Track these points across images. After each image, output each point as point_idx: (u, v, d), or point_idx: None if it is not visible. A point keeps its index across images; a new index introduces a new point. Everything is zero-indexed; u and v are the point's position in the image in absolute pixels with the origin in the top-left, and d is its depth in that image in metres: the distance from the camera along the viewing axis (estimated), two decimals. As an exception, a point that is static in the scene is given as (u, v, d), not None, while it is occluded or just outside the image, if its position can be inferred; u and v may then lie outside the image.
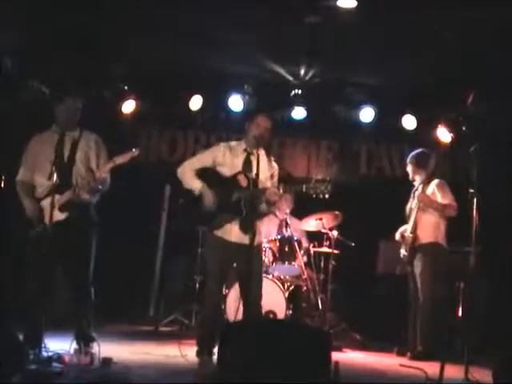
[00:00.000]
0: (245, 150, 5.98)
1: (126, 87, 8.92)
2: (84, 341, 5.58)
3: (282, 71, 8.71)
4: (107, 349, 5.64)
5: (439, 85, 8.26)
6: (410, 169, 7.42)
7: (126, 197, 8.49)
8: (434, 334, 6.88)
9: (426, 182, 7.17)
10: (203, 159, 6.06)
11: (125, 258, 8.91)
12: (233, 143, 6.11)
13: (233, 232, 5.83)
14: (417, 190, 7.24)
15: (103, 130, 6.41)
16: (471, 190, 5.82)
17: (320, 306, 8.05)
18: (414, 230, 7.07)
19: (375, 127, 9.34)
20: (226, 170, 5.91)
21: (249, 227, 5.55)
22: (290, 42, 7.84)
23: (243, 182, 5.81)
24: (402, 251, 7.22)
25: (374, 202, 9.12)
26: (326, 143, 9.92)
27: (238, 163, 5.93)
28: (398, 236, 7.40)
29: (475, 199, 5.78)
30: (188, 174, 5.96)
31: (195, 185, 5.89)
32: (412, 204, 7.24)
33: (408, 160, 7.45)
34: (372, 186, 9.66)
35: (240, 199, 5.75)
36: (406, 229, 7.22)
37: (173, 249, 9.42)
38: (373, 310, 8.49)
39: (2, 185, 8.09)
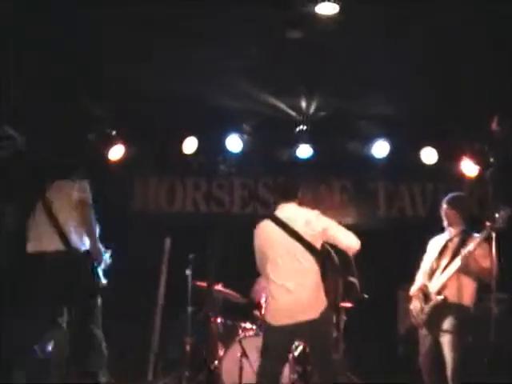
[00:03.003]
0: None
1: (113, 132, 8.13)
2: None
3: (282, 106, 7.84)
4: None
5: (458, 110, 7.29)
6: (448, 214, 6.15)
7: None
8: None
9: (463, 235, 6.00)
10: None
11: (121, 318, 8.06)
12: None
13: None
14: (450, 241, 6.11)
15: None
16: (488, 224, 4.86)
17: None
18: (442, 290, 5.93)
19: (391, 163, 8.34)
20: None
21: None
22: (286, 71, 7.02)
23: None
24: (415, 309, 6.14)
25: (393, 246, 8.07)
26: (339, 183, 8.94)
27: None
28: (413, 290, 6.29)
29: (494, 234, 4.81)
30: None
31: None
32: (444, 259, 6.03)
33: (447, 204, 6.16)
34: (392, 228, 8.61)
35: None
36: (426, 285, 6.13)
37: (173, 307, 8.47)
38: (393, 375, 7.34)
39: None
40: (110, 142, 8.15)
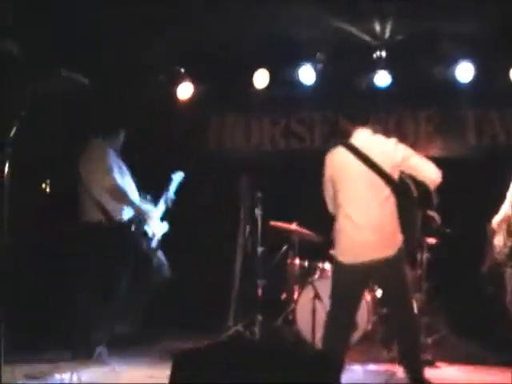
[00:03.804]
0: None
1: (181, 69, 7.79)
2: None
3: (355, 31, 7.25)
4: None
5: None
6: None
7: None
8: None
9: None
10: None
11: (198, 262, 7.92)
12: None
13: None
14: None
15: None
16: None
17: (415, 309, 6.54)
18: None
19: (479, 87, 7.61)
20: None
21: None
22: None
23: None
24: (499, 243, 5.57)
25: (484, 178, 7.41)
26: (425, 114, 8.26)
27: None
28: (496, 222, 5.71)
29: None
30: None
31: None
32: None
33: None
34: (483, 159, 7.91)
35: None
36: (510, 215, 5.54)
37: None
38: (482, 314, 6.78)
39: (48, 189, 7.41)
40: (179, 81, 7.82)
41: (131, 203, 6.50)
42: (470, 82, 7.52)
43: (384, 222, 4.77)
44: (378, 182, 4.79)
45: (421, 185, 4.82)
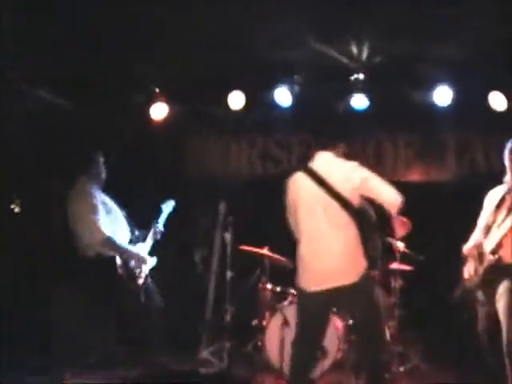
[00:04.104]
0: None
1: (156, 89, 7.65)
2: None
3: (332, 52, 7.13)
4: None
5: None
6: (509, 163, 5.43)
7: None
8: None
9: None
10: None
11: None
12: None
13: None
14: (508, 193, 5.34)
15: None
16: None
17: (388, 337, 6.38)
18: (497, 250, 5.16)
19: (459, 111, 7.47)
20: None
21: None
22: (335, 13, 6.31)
23: None
24: (469, 271, 5.40)
25: (463, 205, 7.23)
26: (404, 138, 8.10)
27: None
28: (467, 249, 5.54)
29: None
30: None
31: None
32: (501, 213, 5.27)
33: (508, 150, 5.44)
34: (462, 184, 7.75)
35: None
36: (481, 242, 5.37)
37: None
38: (455, 342, 6.58)
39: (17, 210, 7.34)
40: (153, 101, 7.68)
41: (123, 251, 6.41)
42: (450, 107, 7.38)
43: (345, 248, 4.62)
44: (337, 207, 4.64)
45: (380, 210, 4.67)
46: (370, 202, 4.71)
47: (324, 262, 4.62)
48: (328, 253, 4.61)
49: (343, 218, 4.64)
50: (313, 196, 4.71)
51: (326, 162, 4.82)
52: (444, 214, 7.25)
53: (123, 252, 6.38)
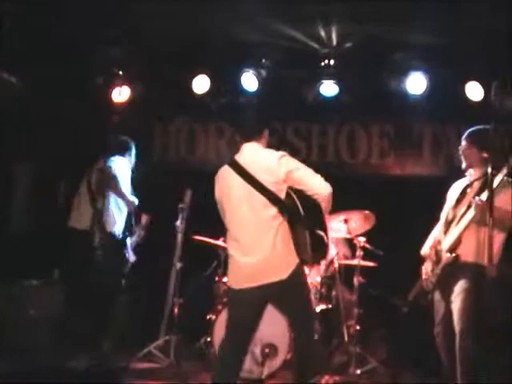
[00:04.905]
0: None
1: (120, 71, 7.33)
2: None
3: (299, 36, 6.79)
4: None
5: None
6: (466, 153, 5.06)
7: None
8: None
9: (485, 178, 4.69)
10: None
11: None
12: None
13: None
14: (469, 186, 5.01)
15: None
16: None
17: (346, 337, 6.06)
18: (455, 248, 4.84)
19: (435, 101, 7.12)
20: None
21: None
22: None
23: None
24: (426, 271, 5.06)
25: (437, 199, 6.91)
26: (378, 127, 7.78)
27: None
28: (425, 250, 5.19)
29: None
30: None
31: None
32: (461, 208, 4.91)
33: (465, 140, 5.05)
34: (438, 176, 7.41)
35: None
36: (439, 241, 5.02)
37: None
38: (412, 344, 6.24)
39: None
40: (117, 84, 7.34)
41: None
42: (425, 96, 7.04)
43: (273, 244, 4.30)
44: (262, 200, 4.32)
45: (310, 202, 4.34)
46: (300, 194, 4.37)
47: (250, 258, 4.33)
48: (254, 250, 4.32)
49: (270, 212, 4.33)
50: (238, 190, 4.40)
51: (252, 154, 4.50)
52: (415, 208, 6.88)
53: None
